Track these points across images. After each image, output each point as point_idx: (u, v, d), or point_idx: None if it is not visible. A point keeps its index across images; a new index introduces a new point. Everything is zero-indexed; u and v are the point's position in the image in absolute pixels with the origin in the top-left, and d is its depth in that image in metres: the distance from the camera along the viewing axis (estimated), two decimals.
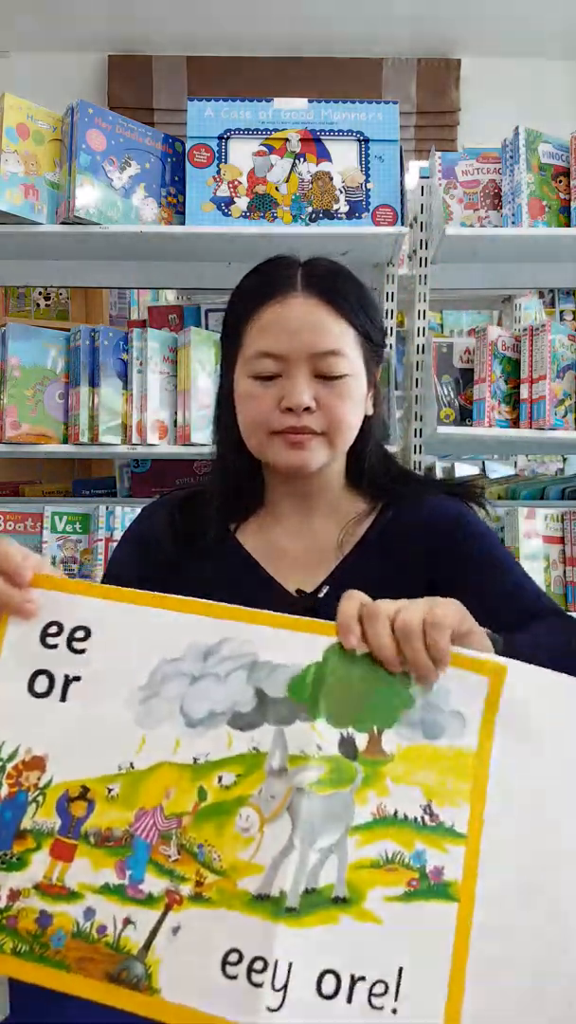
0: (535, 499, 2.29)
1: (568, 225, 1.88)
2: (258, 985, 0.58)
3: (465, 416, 1.93)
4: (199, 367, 1.86)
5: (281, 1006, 0.58)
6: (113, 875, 0.63)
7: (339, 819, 0.62)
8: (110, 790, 0.64)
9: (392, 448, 1.83)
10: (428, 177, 1.97)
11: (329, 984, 0.59)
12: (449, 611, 0.70)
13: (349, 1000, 0.59)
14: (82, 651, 0.67)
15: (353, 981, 0.60)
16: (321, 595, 1.02)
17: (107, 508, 1.87)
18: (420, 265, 1.96)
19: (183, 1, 3.18)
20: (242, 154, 1.82)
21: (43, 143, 1.79)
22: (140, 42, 3.46)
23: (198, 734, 0.64)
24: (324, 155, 1.83)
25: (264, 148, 1.82)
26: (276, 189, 1.82)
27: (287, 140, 1.82)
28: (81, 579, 0.70)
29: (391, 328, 2.00)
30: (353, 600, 0.70)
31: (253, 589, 1.04)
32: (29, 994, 0.68)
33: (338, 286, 1.00)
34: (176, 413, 1.89)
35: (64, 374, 1.86)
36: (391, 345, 1.98)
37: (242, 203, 1.81)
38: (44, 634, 0.67)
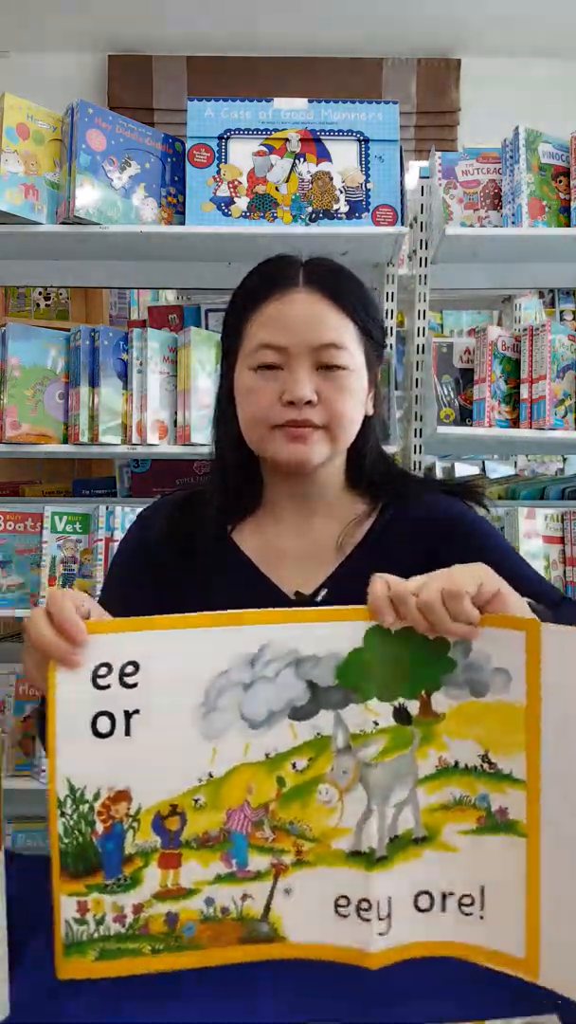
0: (535, 499, 2.29)
1: (568, 225, 1.88)
2: (367, 920, 0.68)
3: (465, 416, 1.93)
4: (199, 367, 1.86)
5: (388, 929, 0.68)
6: (222, 866, 0.70)
7: (406, 776, 0.69)
8: (196, 801, 0.69)
9: (392, 448, 1.84)
10: (428, 177, 1.97)
11: (424, 901, 0.69)
12: (465, 578, 0.72)
13: (443, 910, 0.69)
14: (134, 685, 0.69)
15: (444, 896, 0.69)
16: (319, 598, 1.02)
17: (107, 508, 1.87)
18: (420, 265, 1.96)
19: (183, 1, 3.18)
20: (242, 154, 1.82)
21: (43, 143, 1.79)
22: (140, 42, 3.46)
23: (263, 733, 0.69)
24: (324, 155, 1.83)
25: (264, 148, 1.82)
26: (276, 189, 1.82)
27: (287, 140, 1.82)
28: (127, 618, 0.72)
29: (391, 328, 2.00)
30: (381, 582, 0.73)
31: (250, 592, 1.04)
32: (30, 994, 0.68)
33: (340, 283, 1.01)
34: (176, 413, 1.89)
35: (64, 374, 1.86)
36: (391, 345, 1.98)
37: (242, 203, 1.81)
38: (95, 677, 0.69)
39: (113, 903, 0.69)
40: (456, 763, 0.69)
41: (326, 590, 1.03)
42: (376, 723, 0.69)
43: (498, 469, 2.82)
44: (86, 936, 0.69)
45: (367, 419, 1.05)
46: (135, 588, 1.07)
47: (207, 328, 2.19)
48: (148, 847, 0.69)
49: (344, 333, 0.99)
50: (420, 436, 1.99)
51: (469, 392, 1.93)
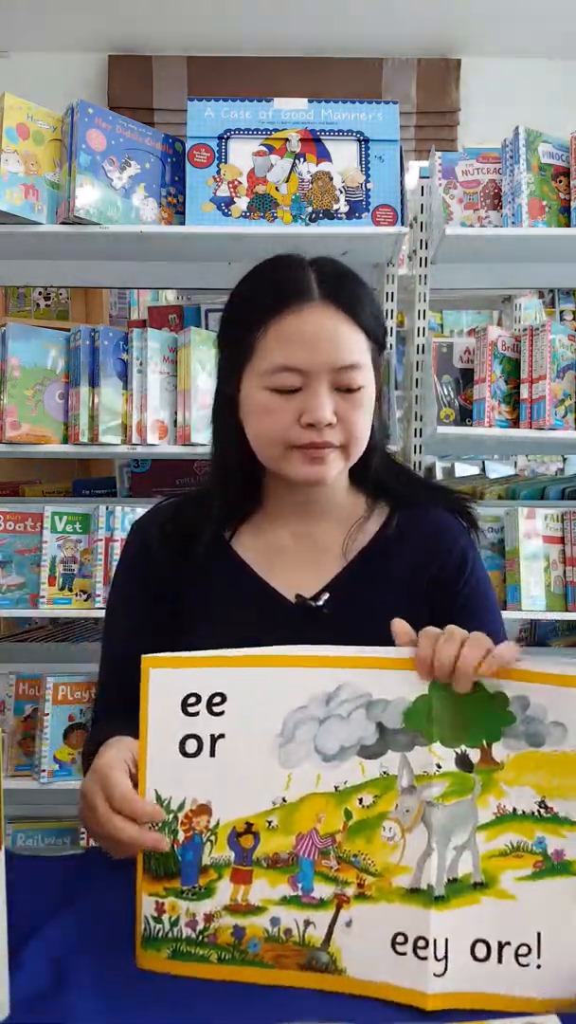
0: (535, 499, 2.28)
1: (568, 225, 1.88)
2: (423, 959, 0.69)
3: (465, 416, 1.93)
4: (199, 367, 1.86)
5: (445, 972, 0.69)
6: (288, 888, 0.73)
7: (466, 821, 0.72)
8: (270, 822, 0.74)
9: (392, 448, 1.83)
10: (428, 177, 1.97)
11: (481, 950, 0.70)
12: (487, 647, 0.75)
13: (500, 961, 0.70)
14: (221, 713, 0.76)
15: (500, 946, 0.70)
16: (320, 602, 1.02)
17: (107, 508, 1.87)
18: (420, 265, 1.96)
19: (183, 1, 3.18)
20: (242, 154, 1.82)
21: (43, 143, 1.79)
22: (140, 42, 3.46)
23: (334, 766, 0.74)
24: (324, 155, 1.83)
25: (264, 148, 1.82)
26: (276, 189, 1.82)
27: (287, 140, 1.82)
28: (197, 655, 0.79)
29: (391, 328, 2.00)
30: (427, 640, 0.76)
31: (249, 596, 1.03)
32: (30, 994, 0.68)
33: (353, 291, 0.98)
34: (176, 413, 1.89)
35: (64, 374, 1.86)
36: (391, 345, 1.98)
37: (242, 203, 1.81)
38: (184, 704, 0.76)
39: (187, 909, 0.74)
40: (514, 810, 0.72)
41: (328, 594, 1.02)
42: (439, 766, 0.72)
43: (498, 469, 2.82)
44: (161, 934, 0.75)
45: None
46: (137, 598, 1.07)
47: (207, 328, 2.19)
48: (223, 861, 0.74)
49: (360, 351, 0.97)
50: (420, 436, 1.99)
51: (469, 392, 1.93)
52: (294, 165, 1.82)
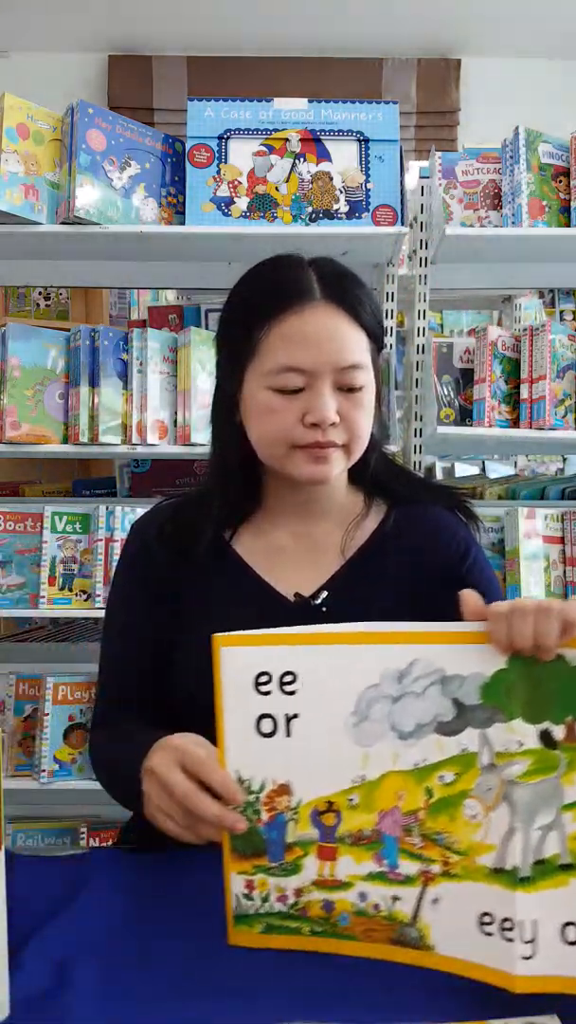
0: (535, 499, 2.28)
1: (568, 225, 1.88)
2: (510, 940, 0.68)
3: (465, 416, 1.93)
4: (199, 367, 1.86)
5: (533, 954, 0.67)
6: (374, 865, 0.73)
7: (551, 800, 0.70)
8: (351, 800, 0.74)
9: (392, 448, 1.83)
10: (428, 177, 1.97)
11: (571, 933, 0.68)
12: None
13: None
14: (293, 692, 0.75)
15: None
16: (319, 600, 1.02)
17: (107, 508, 1.87)
18: (420, 265, 1.96)
19: (183, 1, 3.18)
20: (242, 154, 1.82)
21: (43, 143, 1.79)
22: (140, 42, 3.46)
23: (411, 744, 0.72)
24: (324, 155, 1.83)
25: (264, 148, 1.82)
26: (276, 189, 1.82)
27: (287, 140, 1.82)
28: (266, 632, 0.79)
29: (391, 328, 2.00)
30: (499, 618, 0.72)
31: (249, 595, 1.03)
32: (30, 994, 0.68)
33: (354, 291, 0.99)
34: (176, 413, 1.89)
35: (64, 374, 1.86)
36: (391, 345, 1.98)
37: (242, 203, 1.81)
38: (256, 683, 0.76)
39: (276, 884, 0.76)
40: None
41: (327, 592, 1.03)
42: (520, 743, 0.70)
43: (498, 469, 2.82)
44: (253, 910, 0.76)
45: None
46: (138, 598, 1.07)
47: (207, 328, 2.19)
48: (307, 839, 0.75)
49: (362, 350, 0.98)
50: (420, 436, 1.99)
51: (469, 392, 1.93)
52: (294, 165, 1.82)
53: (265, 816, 0.75)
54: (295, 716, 0.75)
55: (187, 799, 0.76)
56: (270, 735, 0.75)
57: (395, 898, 0.72)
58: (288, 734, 0.75)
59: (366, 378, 0.99)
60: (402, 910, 0.72)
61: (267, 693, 0.75)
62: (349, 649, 0.75)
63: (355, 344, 0.97)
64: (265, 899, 0.76)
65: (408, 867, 0.72)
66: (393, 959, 0.72)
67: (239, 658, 0.76)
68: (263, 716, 0.75)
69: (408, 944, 0.71)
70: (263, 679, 0.75)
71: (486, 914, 0.69)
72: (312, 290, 0.97)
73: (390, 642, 0.74)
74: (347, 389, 0.97)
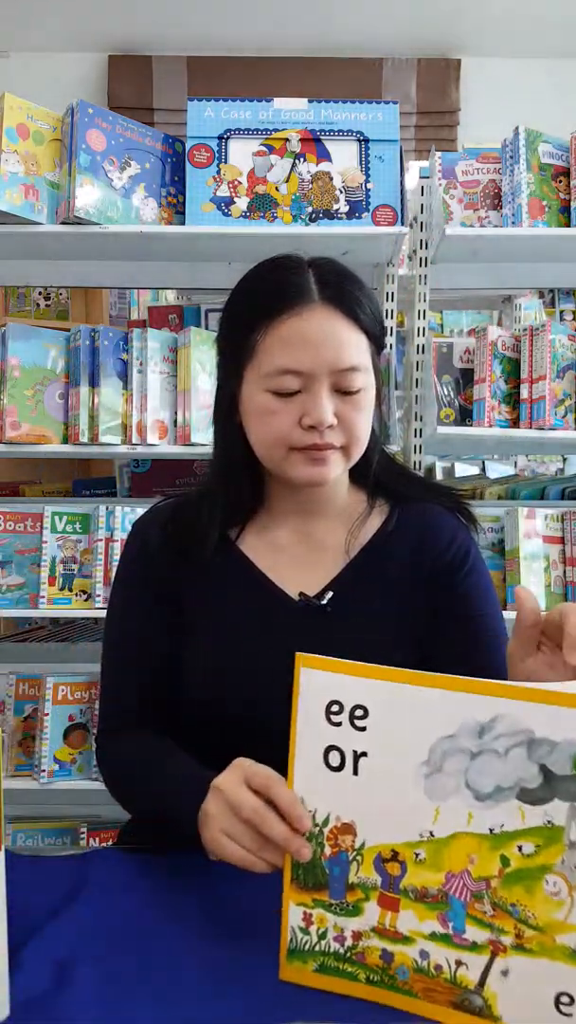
0: (535, 499, 2.28)
1: (568, 225, 1.88)
2: None
3: (465, 416, 1.93)
4: (199, 367, 1.86)
5: None
6: (438, 925, 0.68)
7: None
8: (417, 855, 0.68)
9: (392, 448, 1.84)
10: (428, 177, 1.97)
11: None
12: None
13: None
14: (363, 728, 0.71)
15: None
16: (324, 600, 1.02)
17: (107, 508, 1.87)
18: (420, 265, 1.96)
19: (183, 1, 3.18)
20: (242, 154, 1.82)
21: (43, 143, 1.79)
22: (140, 42, 3.47)
23: (488, 807, 0.66)
24: (324, 155, 1.83)
25: (264, 148, 1.82)
26: (276, 189, 1.82)
27: (287, 140, 1.82)
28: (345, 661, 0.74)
29: (391, 328, 2.00)
30: None
31: (254, 595, 1.04)
32: (30, 994, 0.68)
33: (353, 292, 0.98)
34: (176, 413, 1.89)
35: (64, 374, 1.86)
36: (391, 345, 1.98)
37: (242, 203, 1.81)
38: (328, 711, 0.72)
39: (335, 923, 0.71)
40: None
41: (331, 592, 1.03)
42: None
43: (498, 469, 2.82)
44: (308, 946, 0.72)
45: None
46: (140, 600, 1.07)
47: (207, 328, 2.19)
48: (369, 883, 0.70)
49: (361, 352, 0.98)
50: (420, 436, 1.99)
51: (469, 392, 1.93)
52: (294, 165, 1.82)
53: (328, 851, 0.72)
54: (363, 754, 0.71)
55: (255, 816, 0.74)
56: (337, 769, 0.71)
57: (459, 963, 0.67)
58: (355, 772, 0.71)
59: (365, 380, 0.98)
60: (467, 975, 0.66)
61: (337, 724, 0.71)
62: (426, 692, 0.69)
63: (353, 346, 0.97)
64: (322, 936, 0.71)
65: (476, 934, 0.66)
66: None
67: (316, 681, 0.72)
68: (331, 747, 0.71)
69: (472, 1011, 0.66)
70: (334, 708, 0.72)
71: (565, 994, 0.63)
72: (310, 292, 0.96)
73: (472, 691, 0.68)
74: (345, 391, 0.97)
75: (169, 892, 0.84)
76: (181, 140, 1.87)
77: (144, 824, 1.09)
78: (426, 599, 1.04)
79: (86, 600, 1.86)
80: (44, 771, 1.84)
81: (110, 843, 1.92)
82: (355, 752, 0.71)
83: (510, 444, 2.24)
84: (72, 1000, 0.67)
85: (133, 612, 1.07)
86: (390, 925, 0.69)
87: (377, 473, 1.09)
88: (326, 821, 0.71)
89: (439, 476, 2.76)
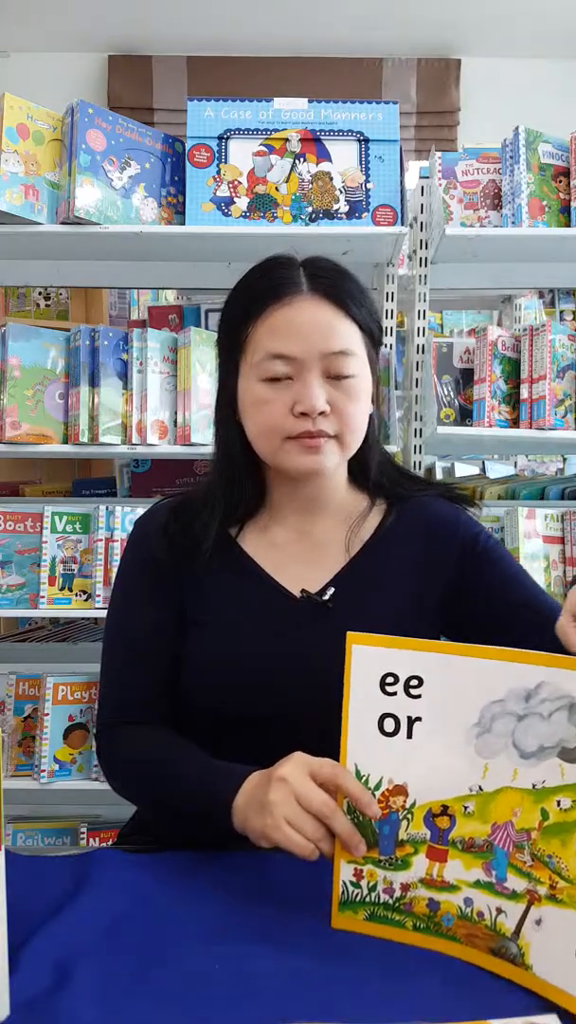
0: (535, 499, 2.29)
1: (568, 225, 1.88)
2: None
3: (465, 416, 1.93)
4: (199, 367, 1.86)
5: None
6: (482, 873, 0.74)
7: None
8: (466, 807, 0.75)
9: (392, 448, 1.84)
10: (428, 177, 1.97)
11: None
12: None
13: None
14: (418, 696, 0.77)
15: None
16: (326, 596, 1.02)
17: (107, 508, 1.87)
18: (420, 265, 1.96)
19: (183, 1, 3.18)
20: (242, 154, 1.82)
21: (43, 143, 1.79)
22: (140, 42, 3.47)
23: (531, 764, 0.72)
24: (324, 155, 1.83)
25: (264, 148, 1.82)
26: (276, 189, 1.82)
27: (287, 140, 1.82)
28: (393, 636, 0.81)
29: (391, 328, 2.00)
30: None
31: (255, 591, 1.04)
32: (30, 994, 0.68)
33: (343, 285, 1.00)
34: (176, 413, 1.89)
35: (64, 374, 1.86)
36: (391, 345, 1.98)
37: (242, 203, 1.81)
38: (383, 683, 0.78)
39: (384, 877, 0.77)
40: None
41: (333, 589, 1.03)
42: None
43: (498, 469, 2.82)
44: (359, 898, 0.78)
45: (369, 418, 1.05)
46: (142, 598, 1.07)
47: (207, 328, 2.19)
48: (419, 838, 0.76)
49: (351, 339, 0.99)
50: (420, 436, 1.99)
51: (469, 392, 1.93)
52: (294, 165, 1.82)
53: (379, 812, 0.77)
54: (418, 719, 0.77)
55: (325, 809, 0.77)
56: (391, 734, 0.77)
57: (499, 910, 0.72)
58: (410, 736, 0.77)
59: (357, 367, 0.99)
60: (505, 923, 0.72)
61: (392, 694, 0.77)
62: (477, 662, 0.76)
63: (342, 332, 0.98)
64: (372, 888, 0.77)
65: (516, 883, 0.72)
66: (492, 969, 0.71)
67: (368, 656, 0.78)
68: (386, 715, 0.77)
69: (507, 958, 0.71)
70: (389, 680, 0.78)
71: None
72: (299, 284, 0.98)
73: (519, 660, 0.74)
74: (336, 377, 0.98)
75: (169, 892, 0.84)
76: (181, 140, 1.87)
77: (145, 824, 1.09)
78: (444, 585, 1.05)
79: (86, 600, 1.86)
80: (44, 771, 1.84)
81: (110, 843, 1.92)
82: (410, 718, 0.77)
83: (510, 444, 2.24)
84: (72, 1000, 0.67)
85: (135, 607, 1.08)
86: (437, 875, 0.75)
87: (376, 473, 1.10)
88: (379, 785, 0.77)
89: (439, 476, 2.76)
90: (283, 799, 0.79)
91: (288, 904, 0.81)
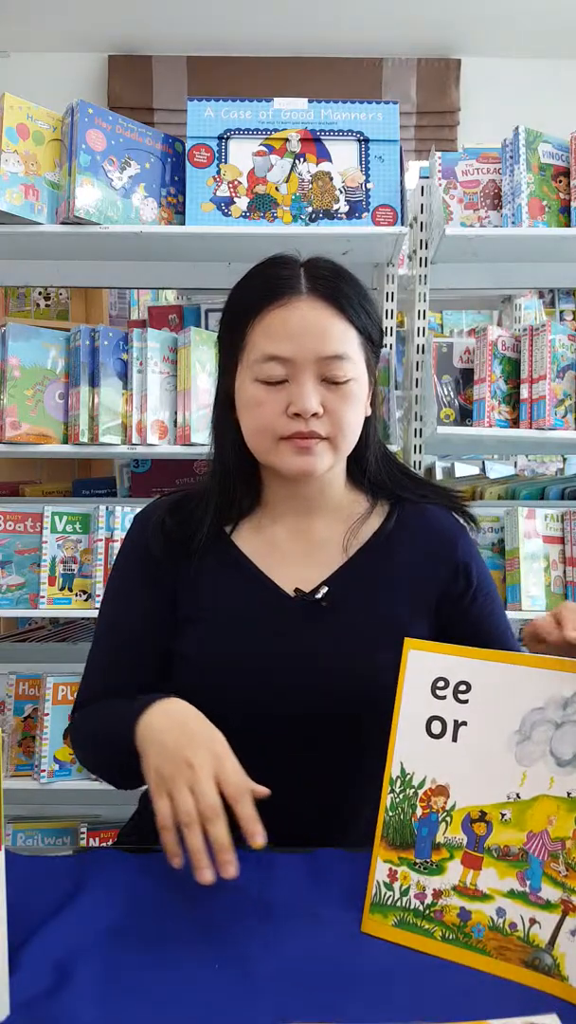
0: (535, 499, 2.28)
1: (568, 225, 1.88)
2: None
3: (465, 416, 1.93)
4: (199, 367, 1.86)
5: None
6: (516, 883, 0.74)
7: None
8: (503, 815, 0.76)
9: (392, 448, 1.84)
10: (428, 177, 1.97)
11: None
12: None
13: None
14: (465, 701, 0.79)
15: None
16: (319, 595, 1.02)
17: (107, 508, 1.87)
18: (420, 265, 1.96)
19: (183, 1, 3.18)
20: (242, 154, 1.82)
21: (43, 143, 1.79)
22: (140, 42, 3.46)
23: (567, 772, 0.73)
24: (324, 155, 1.83)
25: (264, 148, 1.82)
26: (276, 189, 1.82)
27: (287, 140, 1.82)
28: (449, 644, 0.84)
29: (391, 328, 2.00)
30: None
31: (250, 589, 1.04)
32: (30, 994, 0.68)
33: (342, 287, 1.00)
34: (176, 413, 1.89)
35: (64, 374, 1.86)
36: (391, 345, 1.98)
37: (242, 203, 1.81)
38: (434, 687, 0.81)
39: (418, 881, 0.78)
40: None
41: (327, 588, 1.03)
42: None
43: (498, 469, 2.82)
44: (390, 901, 0.78)
45: (367, 419, 1.05)
46: (134, 591, 1.07)
47: (207, 328, 2.19)
48: (455, 843, 0.77)
49: (348, 342, 0.99)
50: (420, 436, 1.99)
51: (469, 392, 1.93)
52: (294, 165, 1.82)
53: (419, 812, 0.79)
54: (464, 723, 0.79)
55: (208, 812, 0.77)
56: (438, 736, 0.80)
57: (533, 920, 0.72)
58: (455, 739, 0.79)
59: (353, 371, 0.99)
60: (539, 934, 0.71)
61: (442, 697, 0.80)
62: (521, 670, 0.78)
63: (339, 335, 0.98)
64: (404, 892, 0.78)
65: (550, 893, 0.72)
66: (524, 982, 0.71)
67: (423, 661, 0.82)
68: (434, 718, 0.80)
69: (541, 970, 0.70)
70: (440, 684, 0.80)
71: None
72: (298, 285, 0.98)
73: (560, 669, 0.76)
74: (332, 381, 0.98)
75: (169, 892, 0.84)
76: (181, 140, 1.87)
77: (145, 824, 1.09)
78: (437, 599, 1.06)
79: (86, 600, 1.86)
80: (44, 771, 1.84)
81: (110, 843, 1.92)
82: (456, 721, 0.79)
83: (510, 444, 2.24)
84: (72, 1000, 0.67)
85: (125, 597, 1.08)
86: (471, 883, 0.75)
87: (376, 473, 1.09)
88: (422, 784, 0.79)
89: (439, 476, 2.76)
90: (175, 772, 0.80)
91: (288, 904, 0.81)
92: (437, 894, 0.76)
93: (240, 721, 0.98)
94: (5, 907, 0.66)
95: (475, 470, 2.83)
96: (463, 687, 0.79)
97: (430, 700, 0.80)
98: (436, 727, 0.80)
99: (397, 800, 0.80)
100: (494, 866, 0.74)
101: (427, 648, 0.82)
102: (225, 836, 0.76)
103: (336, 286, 0.99)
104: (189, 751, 0.81)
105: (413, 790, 0.79)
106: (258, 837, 0.76)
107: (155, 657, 1.04)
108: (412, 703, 0.81)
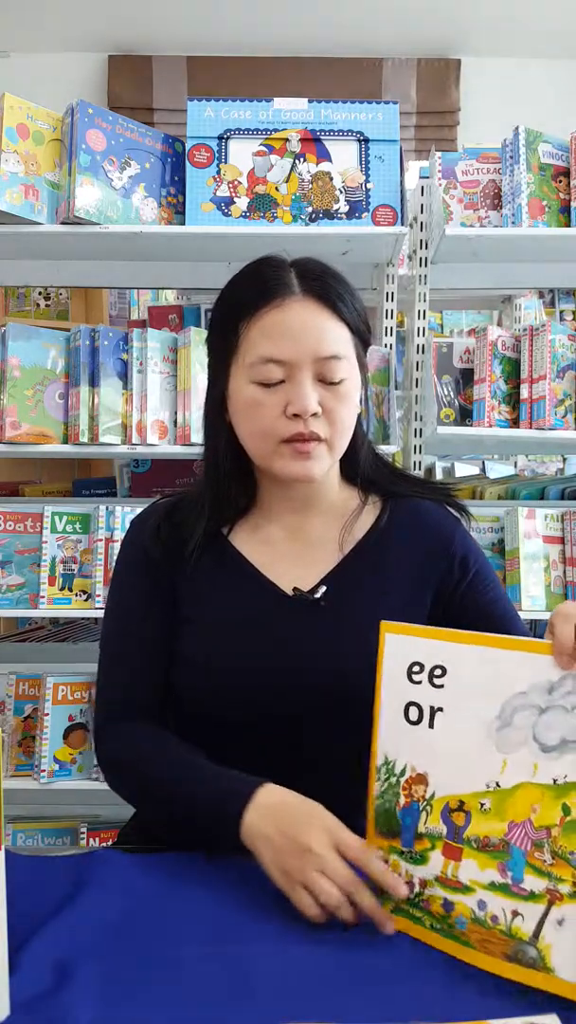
0: (535, 499, 2.28)
1: (568, 225, 1.88)
2: None
3: (465, 416, 1.93)
4: (199, 367, 1.86)
5: None
6: (497, 875, 0.72)
7: None
8: (482, 804, 0.74)
9: (392, 448, 1.84)
10: (428, 177, 1.97)
11: None
12: None
13: None
14: (441, 686, 0.77)
15: None
16: (318, 594, 1.02)
17: (107, 508, 1.87)
18: (420, 265, 1.96)
19: (183, 1, 3.18)
20: (242, 154, 1.82)
21: (43, 143, 1.79)
22: (140, 42, 3.46)
23: (553, 758, 0.71)
24: (324, 155, 1.83)
25: (264, 148, 1.82)
26: (276, 189, 1.82)
27: (287, 140, 1.82)
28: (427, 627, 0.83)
29: (391, 328, 2.00)
30: (569, 623, 0.73)
31: (248, 589, 1.04)
32: (30, 994, 0.68)
33: (333, 286, 1.00)
34: (176, 413, 1.89)
35: (64, 374, 1.86)
36: (391, 345, 1.98)
37: (242, 203, 1.81)
38: (409, 671, 0.79)
39: (406, 870, 0.78)
40: None
41: (325, 587, 1.03)
42: None
43: (498, 469, 2.82)
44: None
45: (358, 417, 1.06)
46: (138, 594, 1.07)
47: (207, 328, 2.19)
48: (436, 833, 0.76)
49: (342, 342, 0.99)
50: (420, 436, 1.99)
51: (469, 392, 1.93)
52: (294, 165, 1.82)
53: (402, 800, 0.78)
54: (439, 709, 0.77)
55: (350, 886, 0.76)
56: (415, 723, 0.78)
57: (515, 913, 0.70)
58: (431, 726, 0.77)
59: (347, 371, 0.99)
60: (521, 927, 0.69)
61: (418, 682, 0.78)
62: (501, 653, 0.75)
63: (335, 336, 0.98)
64: None
65: (534, 883, 0.70)
66: (507, 976, 0.69)
67: (399, 645, 0.80)
68: (411, 704, 0.78)
69: (525, 963, 0.69)
70: (415, 668, 0.79)
71: None
72: (291, 285, 0.99)
73: (543, 652, 0.73)
74: (328, 381, 0.98)
75: (169, 892, 0.84)
76: (181, 140, 1.88)
77: (145, 824, 1.09)
78: (434, 594, 1.06)
79: (86, 600, 1.86)
80: (44, 771, 1.84)
81: (110, 843, 1.93)
82: (432, 707, 0.77)
83: (510, 444, 2.24)
84: (72, 1000, 0.67)
85: (131, 605, 1.08)
86: (452, 875, 0.74)
87: (366, 470, 1.10)
88: (403, 772, 0.78)
89: (439, 476, 2.76)
90: (308, 870, 0.78)
91: (288, 904, 0.80)
92: (423, 883, 0.76)
93: (240, 721, 0.99)
94: (5, 907, 0.66)
95: (475, 470, 2.82)
96: (438, 671, 0.77)
97: (406, 685, 0.79)
98: (413, 713, 0.78)
99: (383, 788, 0.79)
100: (474, 857, 0.73)
101: (403, 631, 0.80)
102: (374, 902, 0.76)
103: (328, 285, 1.00)
104: (303, 836, 0.80)
105: (396, 778, 0.78)
106: (401, 888, 0.76)
107: (165, 664, 1.04)
108: (391, 689, 0.80)
